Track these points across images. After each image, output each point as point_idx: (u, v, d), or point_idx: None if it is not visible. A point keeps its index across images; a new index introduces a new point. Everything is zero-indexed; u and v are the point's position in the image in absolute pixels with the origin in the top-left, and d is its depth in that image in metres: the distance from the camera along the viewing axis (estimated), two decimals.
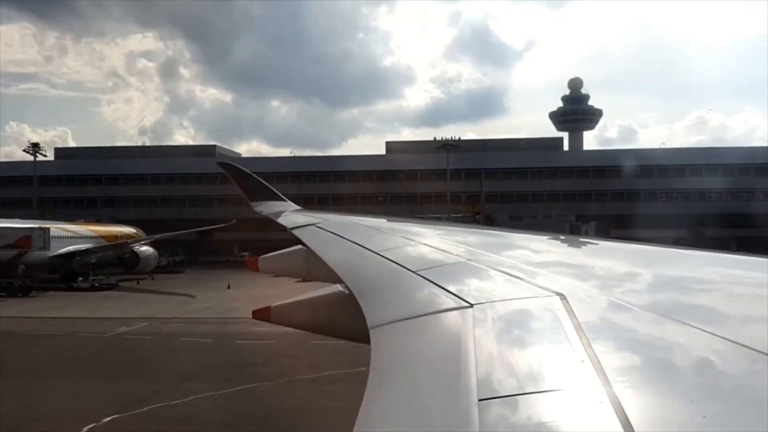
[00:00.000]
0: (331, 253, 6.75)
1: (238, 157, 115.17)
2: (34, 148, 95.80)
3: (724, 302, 3.10)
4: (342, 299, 4.70)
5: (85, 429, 16.94)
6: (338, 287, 5.17)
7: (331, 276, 5.58)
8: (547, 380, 2.21)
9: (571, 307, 2.90)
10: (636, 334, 2.61)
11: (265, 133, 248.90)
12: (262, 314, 5.73)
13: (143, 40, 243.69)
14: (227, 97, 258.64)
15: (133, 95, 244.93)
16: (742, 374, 2.06)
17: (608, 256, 5.29)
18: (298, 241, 8.30)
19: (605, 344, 2.42)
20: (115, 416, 18.09)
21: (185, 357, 27.36)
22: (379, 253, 5.49)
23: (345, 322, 3.89)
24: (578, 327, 2.60)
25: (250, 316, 5.98)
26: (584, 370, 2.14)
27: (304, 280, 8.33)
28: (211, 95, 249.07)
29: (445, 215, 80.00)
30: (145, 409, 18.90)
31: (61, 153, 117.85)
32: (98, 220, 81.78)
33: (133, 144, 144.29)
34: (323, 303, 5.33)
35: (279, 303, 5.71)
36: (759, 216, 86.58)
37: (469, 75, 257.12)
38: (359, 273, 5.38)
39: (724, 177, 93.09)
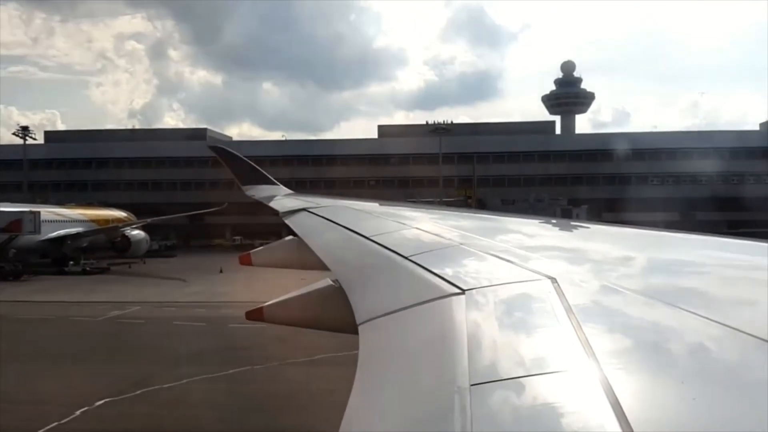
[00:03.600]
0: (323, 242, 6.75)
1: (229, 141, 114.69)
2: (24, 131, 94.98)
3: (714, 285, 3.12)
4: (333, 293, 4.69)
5: (78, 412, 16.97)
6: (329, 281, 5.17)
7: (324, 264, 5.58)
8: (538, 364, 2.22)
9: (562, 291, 2.92)
10: (626, 317, 2.63)
11: (257, 116, 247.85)
12: (255, 315, 5.74)
13: (132, 21, 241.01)
14: (217, 79, 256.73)
15: (122, 78, 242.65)
16: (732, 357, 2.08)
17: (599, 240, 5.31)
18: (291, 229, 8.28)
19: (596, 327, 2.44)
20: (109, 399, 18.13)
21: (178, 341, 27.39)
22: (371, 238, 5.49)
23: (339, 316, 3.88)
24: (569, 310, 2.61)
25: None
26: (575, 353, 2.16)
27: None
28: (201, 77, 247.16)
29: (437, 199, 80.00)
30: (139, 392, 18.94)
31: (51, 136, 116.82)
32: (89, 204, 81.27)
33: (123, 127, 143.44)
34: (315, 298, 5.32)
35: (271, 302, 5.71)
36: (749, 199, 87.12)
37: (463, 57, 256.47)
38: (350, 263, 5.37)
39: (715, 160, 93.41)
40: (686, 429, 1.63)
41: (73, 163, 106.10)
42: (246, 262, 8.71)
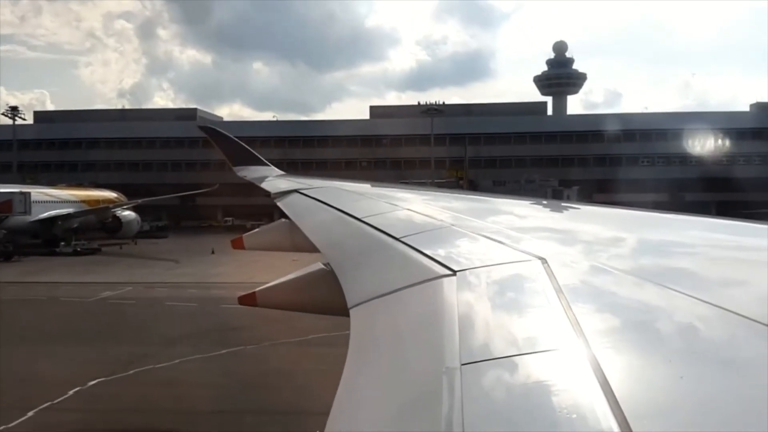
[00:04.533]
0: (314, 225, 6.75)
1: (220, 121, 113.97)
2: (13, 111, 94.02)
3: (703, 265, 3.16)
4: (325, 277, 4.70)
5: (72, 392, 17.01)
6: (320, 264, 5.19)
7: (316, 247, 5.59)
8: (528, 343, 2.25)
9: (552, 271, 2.94)
10: (616, 297, 2.66)
11: (247, 96, 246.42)
12: (248, 300, 5.76)
13: (121, 0, 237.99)
14: (207, 59, 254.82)
15: (111, 57, 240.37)
16: (719, 336, 2.11)
17: (590, 221, 5.34)
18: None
19: (585, 307, 2.46)
20: (102, 379, 18.17)
21: (170, 321, 27.43)
22: (363, 219, 5.50)
23: (331, 300, 3.89)
24: (559, 291, 2.64)
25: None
26: (564, 332, 2.19)
27: None
28: (190, 57, 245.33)
29: (429, 180, 79.96)
30: (131, 372, 18.99)
31: (41, 116, 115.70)
32: (79, 185, 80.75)
33: (113, 107, 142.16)
34: (307, 282, 5.34)
35: (263, 287, 5.73)
36: (739, 180, 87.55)
37: (455, 37, 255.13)
38: (342, 246, 5.38)
39: (705, 141, 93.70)
40: (673, 406, 1.66)
41: (63, 143, 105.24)
42: (238, 246, 8.68)
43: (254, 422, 14.87)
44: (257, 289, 5.73)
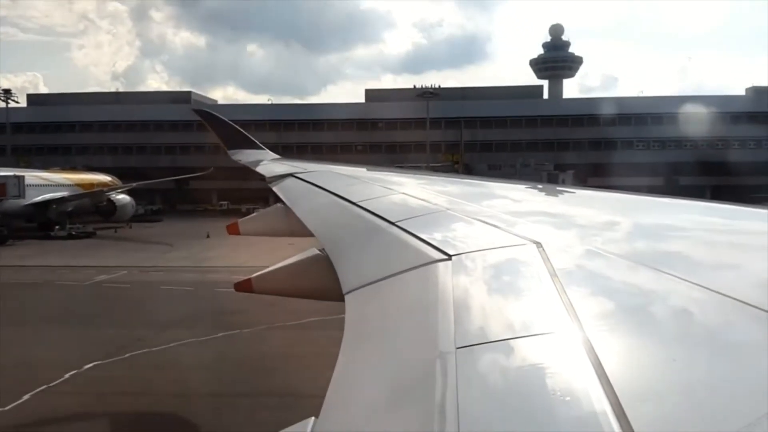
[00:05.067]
0: (309, 210, 6.74)
1: (214, 104, 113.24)
2: (6, 94, 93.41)
3: (697, 249, 3.17)
4: (321, 262, 4.71)
5: (67, 375, 17.05)
6: (316, 250, 5.19)
7: (311, 231, 5.60)
8: (523, 327, 2.26)
9: (547, 256, 2.95)
10: (610, 281, 2.67)
11: (242, 79, 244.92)
12: (244, 286, 5.77)
13: None
14: (201, 41, 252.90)
15: (104, 39, 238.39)
16: (712, 320, 2.12)
17: (585, 205, 5.35)
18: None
19: (580, 291, 2.48)
20: (97, 363, 18.20)
21: (166, 305, 27.45)
22: (358, 203, 5.50)
23: (327, 286, 3.89)
24: (554, 274, 2.65)
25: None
26: (559, 316, 2.20)
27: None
28: (184, 39, 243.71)
29: (424, 164, 79.88)
30: (127, 356, 19.03)
31: (34, 99, 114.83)
32: (73, 168, 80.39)
33: (106, 90, 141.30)
34: (303, 268, 5.34)
35: (259, 273, 5.74)
36: (734, 164, 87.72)
37: (451, 19, 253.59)
38: (337, 231, 5.38)
39: (700, 125, 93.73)
40: (666, 389, 1.67)
41: (57, 126, 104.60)
42: (233, 231, 8.66)
43: (250, 405, 14.95)
44: (253, 275, 5.74)
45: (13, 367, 17.43)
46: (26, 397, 15.45)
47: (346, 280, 3.43)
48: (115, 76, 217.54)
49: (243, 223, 8.84)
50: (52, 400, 15.52)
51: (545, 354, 1.99)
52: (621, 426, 1.46)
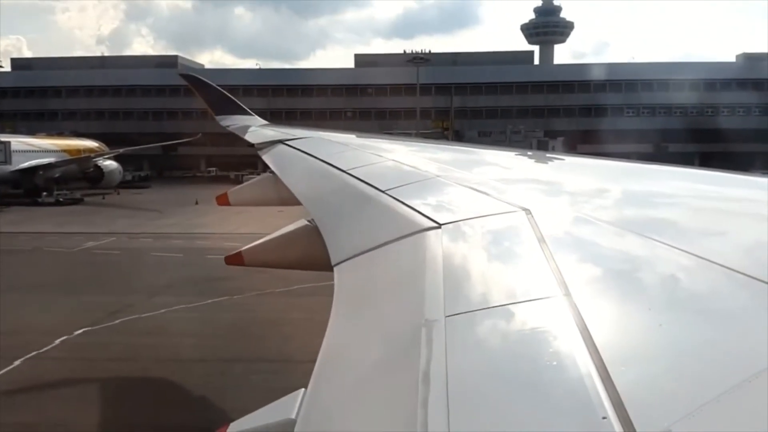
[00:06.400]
0: (299, 179, 6.72)
1: (201, 69, 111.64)
2: None
3: (685, 216, 3.19)
4: (311, 233, 4.70)
5: (58, 341, 17.10)
6: (305, 221, 5.19)
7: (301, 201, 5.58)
8: (510, 294, 2.28)
9: (536, 222, 2.96)
10: (598, 247, 2.69)
11: (229, 42, 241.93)
12: (235, 259, 5.78)
13: None
14: (187, 3, 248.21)
15: (88, 2, 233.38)
16: (699, 286, 2.14)
17: (574, 172, 5.36)
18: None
19: (568, 257, 2.49)
20: (87, 329, 18.26)
21: (155, 271, 27.44)
22: (348, 171, 5.48)
23: (318, 257, 3.89)
24: (542, 241, 2.66)
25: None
26: (546, 282, 2.22)
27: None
28: (170, 1, 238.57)
29: (414, 131, 79.54)
30: (117, 322, 19.08)
31: (18, 63, 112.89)
32: (60, 134, 79.42)
33: (91, 54, 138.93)
34: (292, 240, 5.34)
35: (249, 246, 5.74)
36: (723, 131, 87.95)
37: None
38: (327, 200, 5.36)
39: (690, 92, 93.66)
40: (651, 353, 1.70)
41: (43, 91, 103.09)
42: (223, 202, 8.61)
43: (242, 370, 15.08)
44: (243, 248, 5.75)
45: (4, 334, 17.44)
46: (17, 363, 15.51)
47: (335, 252, 3.43)
48: (100, 40, 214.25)
49: (233, 193, 8.80)
50: (42, 365, 15.59)
51: (533, 320, 2.01)
52: (606, 388, 1.48)
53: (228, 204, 8.63)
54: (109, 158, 70.31)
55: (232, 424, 2.10)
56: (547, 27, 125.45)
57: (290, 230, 5.41)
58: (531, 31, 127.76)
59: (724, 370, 1.54)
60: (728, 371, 1.52)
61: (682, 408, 1.36)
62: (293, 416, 1.86)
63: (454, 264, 2.66)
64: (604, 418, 1.39)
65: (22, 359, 15.70)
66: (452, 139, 77.84)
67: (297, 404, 1.91)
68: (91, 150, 73.05)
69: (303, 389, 1.96)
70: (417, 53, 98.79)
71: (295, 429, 1.78)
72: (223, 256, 6.22)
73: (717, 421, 1.33)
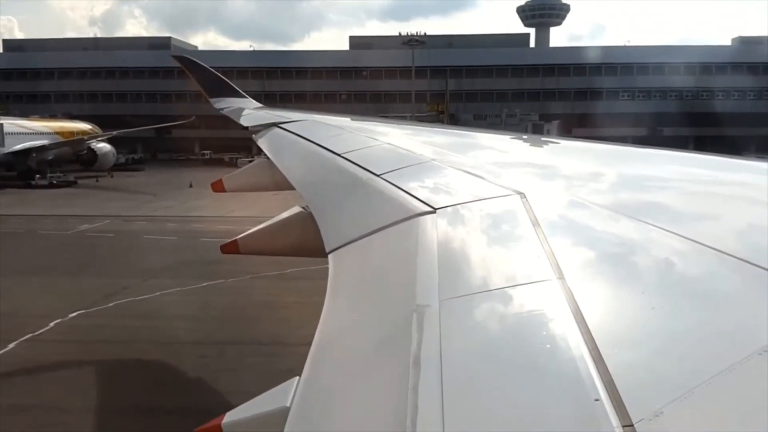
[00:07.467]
0: (293, 163, 6.69)
1: (195, 51, 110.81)
2: None
3: (679, 200, 3.20)
4: (305, 220, 4.69)
5: (52, 324, 17.10)
6: (299, 208, 5.18)
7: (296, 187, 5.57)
8: (505, 278, 2.28)
9: (531, 206, 2.96)
10: (592, 231, 2.69)
11: (223, 24, 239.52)
12: (230, 248, 5.78)
13: None
14: None
15: None
16: (692, 269, 2.16)
17: (569, 156, 5.36)
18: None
19: (562, 241, 2.50)
20: (82, 311, 18.25)
21: (150, 254, 27.39)
22: (342, 155, 5.47)
23: (313, 243, 3.89)
24: (536, 224, 2.67)
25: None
26: (540, 266, 2.22)
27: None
28: None
29: (409, 114, 79.29)
30: (111, 304, 19.08)
31: (10, 45, 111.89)
32: (53, 116, 78.88)
33: (84, 35, 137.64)
34: (287, 228, 5.33)
35: (244, 234, 5.74)
36: (718, 115, 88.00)
37: None
38: (321, 185, 5.35)
39: (685, 76, 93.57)
40: (644, 335, 1.71)
41: (35, 73, 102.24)
42: (218, 189, 8.58)
43: (237, 352, 15.13)
44: (239, 237, 5.75)
45: None
46: (11, 345, 15.52)
47: (330, 239, 3.42)
48: (92, 21, 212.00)
49: (227, 180, 8.76)
50: (37, 348, 15.60)
51: (527, 303, 2.02)
52: (599, 371, 1.49)
53: (223, 190, 8.61)
54: (102, 141, 69.91)
55: (227, 414, 2.11)
56: (543, 9, 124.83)
57: (285, 217, 5.41)
58: (527, 13, 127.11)
59: (715, 353, 1.56)
60: (720, 354, 1.53)
61: (673, 390, 1.37)
62: (288, 404, 1.87)
63: (449, 248, 2.66)
64: (596, 400, 1.40)
65: (16, 342, 15.70)
66: (447, 123, 77.69)
67: (291, 393, 1.92)
68: (84, 132, 72.63)
69: (297, 377, 1.96)
70: (412, 35, 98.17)
71: (289, 417, 1.79)
72: (218, 240, 6.22)
73: (708, 404, 1.34)
